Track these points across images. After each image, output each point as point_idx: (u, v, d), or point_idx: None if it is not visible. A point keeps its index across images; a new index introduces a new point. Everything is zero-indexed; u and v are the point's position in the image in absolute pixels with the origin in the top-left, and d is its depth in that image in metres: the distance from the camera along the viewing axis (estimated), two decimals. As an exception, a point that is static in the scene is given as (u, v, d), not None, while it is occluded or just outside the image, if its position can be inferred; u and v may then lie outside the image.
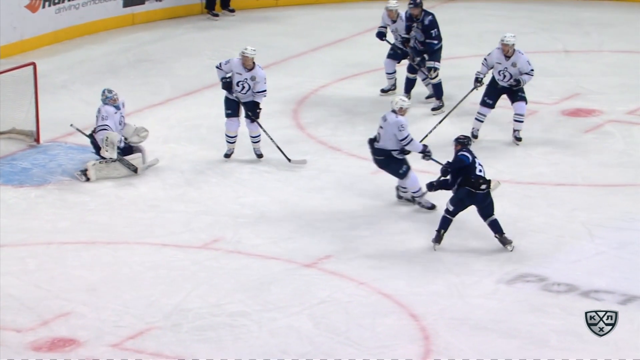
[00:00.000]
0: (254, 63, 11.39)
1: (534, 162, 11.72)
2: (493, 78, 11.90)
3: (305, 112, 13.02)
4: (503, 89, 11.87)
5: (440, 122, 11.95)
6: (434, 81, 12.80)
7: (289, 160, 11.52)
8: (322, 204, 10.86)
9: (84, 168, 11.05)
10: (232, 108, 11.44)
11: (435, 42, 12.67)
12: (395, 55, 13.01)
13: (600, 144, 12.07)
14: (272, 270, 9.61)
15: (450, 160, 9.75)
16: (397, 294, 9.19)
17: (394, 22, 12.96)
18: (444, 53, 12.85)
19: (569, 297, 9.04)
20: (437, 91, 12.83)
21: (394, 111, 10.41)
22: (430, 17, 12.70)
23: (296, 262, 9.72)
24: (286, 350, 8.47)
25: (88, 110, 12.79)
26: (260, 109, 11.46)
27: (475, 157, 9.73)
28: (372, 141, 10.48)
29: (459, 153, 9.70)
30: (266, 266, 9.66)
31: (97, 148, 11.24)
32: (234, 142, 11.59)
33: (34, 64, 12.04)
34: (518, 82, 11.75)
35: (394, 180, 11.06)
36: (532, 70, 11.71)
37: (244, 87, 11.35)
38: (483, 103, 11.96)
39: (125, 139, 11.26)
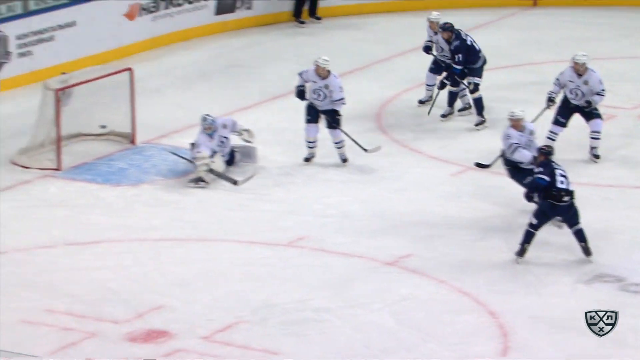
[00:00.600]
0: (328, 72, 11.37)
1: (612, 165, 11.54)
2: (565, 97, 11.60)
3: (388, 116, 12.98)
4: (576, 107, 11.53)
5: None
6: (474, 96, 12.41)
7: (365, 150, 11.49)
8: (403, 204, 10.82)
9: (197, 177, 11.09)
10: (311, 114, 11.43)
11: (459, 67, 12.26)
12: (436, 68, 12.65)
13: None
14: (355, 267, 9.60)
15: (529, 181, 9.51)
16: (476, 292, 9.12)
17: (436, 34, 12.59)
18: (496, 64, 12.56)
19: (645, 297, 8.89)
20: (478, 107, 12.44)
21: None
22: (457, 42, 12.29)
23: (378, 260, 9.70)
24: (369, 345, 8.45)
25: (180, 113, 12.92)
26: (339, 116, 11.43)
27: (557, 168, 9.46)
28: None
29: (536, 176, 9.39)
30: (349, 264, 9.65)
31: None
32: (314, 147, 11.58)
33: (130, 69, 12.20)
34: (589, 102, 11.42)
35: (471, 183, 10.98)
36: (604, 90, 11.35)
37: (319, 95, 11.35)
38: (556, 122, 11.61)
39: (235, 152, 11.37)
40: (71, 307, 8.88)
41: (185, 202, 10.90)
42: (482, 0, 16.80)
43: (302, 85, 11.43)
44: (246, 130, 11.44)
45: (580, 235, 9.45)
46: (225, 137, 11.32)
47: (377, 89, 13.66)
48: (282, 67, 14.40)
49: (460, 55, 12.23)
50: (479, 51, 12.41)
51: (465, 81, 12.39)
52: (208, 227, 10.35)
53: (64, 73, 12.41)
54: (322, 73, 11.34)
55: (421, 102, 12.89)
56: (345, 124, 11.65)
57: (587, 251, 9.47)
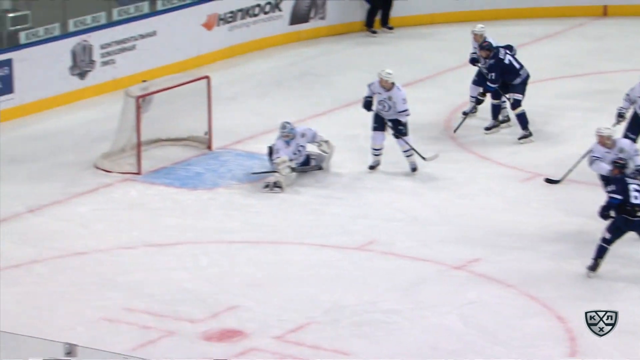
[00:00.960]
0: (392, 84, 11.36)
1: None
2: (635, 112, 11.37)
3: (457, 123, 12.92)
4: None
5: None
6: (516, 112, 12.13)
7: (424, 158, 11.44)
8: (471, 209, 10.76)
9: (275, 181, 11.15)
10: (378, 122, 11.44)
11: (493, 86, 12.06)
12: (479, 81, 12.40)
13: None
14: (424, 271, 9.58)
15: (604, 204, 9.24)
16: (544, 297, 9.04)
17: (487, 42, 12.34)
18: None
19: None
20: (521, 122, 12.15)
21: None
22: (492, 61, 12.07)
23: (446, 264, 9.67)
24: (436, 347, 8.43)
25: (255, 120, 13.02)
26: (402, 126, 11.38)
27: (631, 182, 9.21)
28: None
29: (609, 196, 9.21)
30: (418, 267, 9.63)
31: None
32: (379, 155, 11.54)
33: (208, 77, 12.32)
34: None
35: (541, 189, 10.89)
36: None
37: (384, 106, 11.35)
38: (625, 137, 11.37)
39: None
40: (150, 306, 9.00)
41: (259, 205, 10.97)
42: (552, 10, 16.65)
43: (370, 97, 11.47)
44: (325, 141, 11.45)
45: None
46: (302, 146, 11.37)
47: (447, 97, 13.61)
48: (353, 76, 14.42)
49: (493, 74, 12.02)
50: (518, 69, 12.14)
51: (507, 96, 12.21)
52: (280, 230, 10.40)
53: (144, 81, 12.59)
54: (386, 85, 11.35)
55: (465, 113, 12.69)
56: (414, 131, 11.63)
57: None
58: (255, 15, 15.34)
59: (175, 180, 11.55)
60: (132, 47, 13.98)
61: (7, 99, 12.99)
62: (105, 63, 13.76)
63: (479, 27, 12.57)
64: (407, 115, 11.44)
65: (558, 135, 12.39)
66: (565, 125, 12.57)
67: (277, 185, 11.18)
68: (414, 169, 11.53)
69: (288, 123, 11.35)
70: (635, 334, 8.42)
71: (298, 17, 15.79)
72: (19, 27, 13.25)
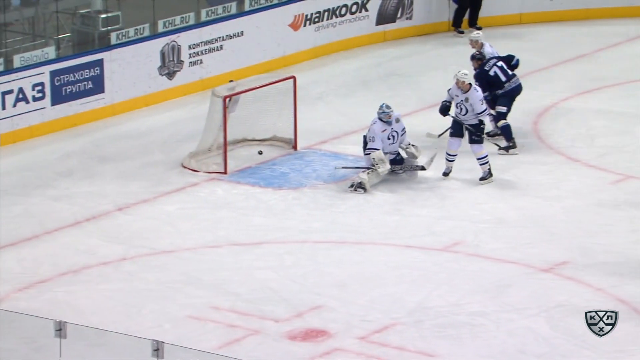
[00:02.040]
0: (469, 85, 11.24)
1: None
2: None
3: (546, 124, 12.78)
4: None
5: None
6: (499, 124, 11.89)
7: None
8: (559, 211, 10.63)
9: (359, 181, 11.16)
10: (455, 128, 11.32)
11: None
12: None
13: None
14: (510, 273, 9.48)
15: None
16: (635, 301, 8.88)
17: (479, 53, 12.16)
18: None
19: None
20: (505, 134, 11.87)
21: None
22: (477, 71, 11.91)
23: (534, 267, 9.56)
24: (523, 350, 8.34)
25: (341, 120, 13.03)
26: (480, 131, 11.18)
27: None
28: None
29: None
30: (504, 269, 9.54)
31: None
32: (453, 161, 11.35)
33: (294, 77, 12.38)
34: None
35: (631, 191, 10.70)
36: None
37: (461, 110, 11.23)
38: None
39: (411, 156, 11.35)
40: (235, 305, 9.07)
41: (343, 206, 10.98)
42: (645, 9, 16.34)
43: (448, 101, 11.38)
44: (414, 145, 11.37)
45: None
46: (396, 132, 11.30)
47: (536, 98, 13.45)
48: (439, 76, 14.34)
49: (477, 84, 11.72)
50: (504, 82, 11.88)
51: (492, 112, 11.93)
52: (364, 231, 10.40)
53: (231, 81, 12.70)
54: (463, 86, 11.23)
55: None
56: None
57: None
58: (342, 15, 15.35)
59: (261, 180, 11.62)
60: (220, 48, 14.11)
61: (98, 98, 13.22)
62: (193, 63, 13.91)
63: (474, 33, 12.35)
64: (486, 115, 11.32)
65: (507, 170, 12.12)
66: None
67: (361, 186, 11.17)
68: (482, 178, 11.30)
69: (388, 106, 11.31)
70: None
71: (384, 17, 15.76)
72: (110, 27, 13.48)
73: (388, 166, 11.13)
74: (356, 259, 9.86)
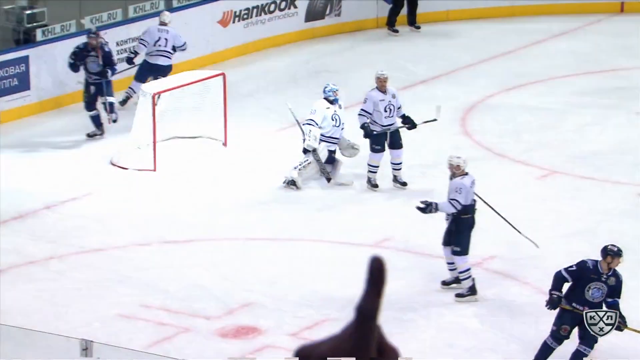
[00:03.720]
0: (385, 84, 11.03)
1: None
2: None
3: (473, 120, 12.92)
4: None
5: None
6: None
7: (435, 119, 11.12)
8: (486, 207, 10.73)
9: (291, 179, 11.12)
10: (378, 142, 10.97)
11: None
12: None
13: None
14: (440, 268, 9.57)
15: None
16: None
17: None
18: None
19: None
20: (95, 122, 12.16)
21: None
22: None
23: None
24: (452, 345, 8.42)
25: (271, 117, 13.02)
26: (400, 137, 10.95)
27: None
28: None
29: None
30: (434, 264, 9.62)
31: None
32: (376, 172, 11.05)
33: (223, 74, 12.33)
34: None
35: (557, 186, 10.87)
36: None
37: (390, 111, 10.99)
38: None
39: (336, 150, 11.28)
40: (165, 303, 9.02)
41: (275, 203, 10.98)
42: (569, 7, 16.60)
43: (367, 123, 10.90)
44: (354, 146, 11.23)
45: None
46: (338, 116, 11.26)
47: (462, 94, 13.59)
48: (368, 73, 14.40)
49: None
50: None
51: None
52: (296, 227, 10.41)
53: (159, 77, 12.59)
54: (383, 87, 11.03)
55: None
56: (429, 128, 11.53)
57: None
58: (271, 12, 15.34)
59: (191, 177, 11.56)
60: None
61: (24, 95, 13.03)
62: (121, 60, 13.77)
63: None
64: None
65: (574, 132, 12.35)
66: (581, 123, 12.53)
67: (293, 184, 11.18)
68: (403, 183, 11.12)
69: (335, 84, 11.29)
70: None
71: (313, 14, 15.78)
72: (35, 24, 13.29)
73: (316, 145, 11.06)
74: (287, 256, 9.87)
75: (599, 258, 8.13)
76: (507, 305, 8.91)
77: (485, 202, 9.62)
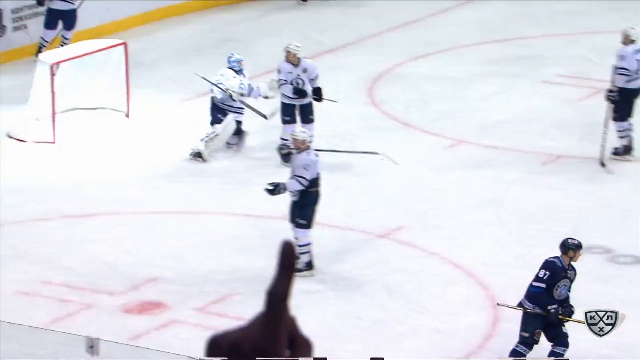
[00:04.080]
0: (300, 58, 10.89)
1: (599, 138, 11.51)
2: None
3: (380, 90, 12.95)
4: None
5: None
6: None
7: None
8: (396, 177, 10.79)
9: (197, 151, 10.99)
10: (288, 113, 10.85)
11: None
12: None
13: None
14: (347, 240, 9.59)
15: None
16: (467, 264, 9.12)
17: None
18: None
19: (635, 268, 8.89)
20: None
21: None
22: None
23: (370, 233, 9.69)
24: (360, 317, 8.46)
25: (174, 87, 12.86)
26: (312, 110, 10.89)
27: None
28: None
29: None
30: (341, 236, 9.64)
31: (214, 116, 11.11)
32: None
33: (125, 43, 12.13)
34: None
35: (463, 156, 10.97)
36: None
37: (298, 84, 10.88)
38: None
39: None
40: (67, 279, 8.87)
41: (179, 175, 10.87)
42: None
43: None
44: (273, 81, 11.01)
45: None
46: (243, 85, 11.13)
47: (369, 64, 13.61)
48: (274, 42, 14.32)
49: None
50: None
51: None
52: (201, 200, 10.32)
53: (59, 46, 12.32)
54: (294, 60, 10.95)
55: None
56: (337, 97, 11.52)
57: None
58: (174, -21, 15.12)
59: (92, 149, 11.37)
60: (45, 12, 13.68)
61: None
62: (17, 28, 13.44)
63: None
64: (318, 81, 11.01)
65: (481, 101, 12.48)
66: (488, 92, 12.67)
67: (199, 156, 11.07)
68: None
69: (238, 54, 11.20)
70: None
71: (217, -18, 15.60)
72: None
73: (236, 91, 10.97)
74: (193, 229, 9.78)
75: (558, 253, 7.81)
76: (415, 276, 8.97)
77: (328, 150, 9.80)
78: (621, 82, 10.69)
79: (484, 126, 11.73)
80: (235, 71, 11.18)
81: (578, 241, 7.83)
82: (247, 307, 8.54)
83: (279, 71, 10.94)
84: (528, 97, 12.41)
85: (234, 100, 11.11)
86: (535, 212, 9.89)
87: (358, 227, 9.78)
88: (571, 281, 7.77)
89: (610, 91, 10.68)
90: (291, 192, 8.95)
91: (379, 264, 9.17)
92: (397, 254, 9.34)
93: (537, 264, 9.07)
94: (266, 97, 11.14)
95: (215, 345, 1.39)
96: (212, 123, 11.17)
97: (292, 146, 9.12)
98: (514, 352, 7.71)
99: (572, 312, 7.73)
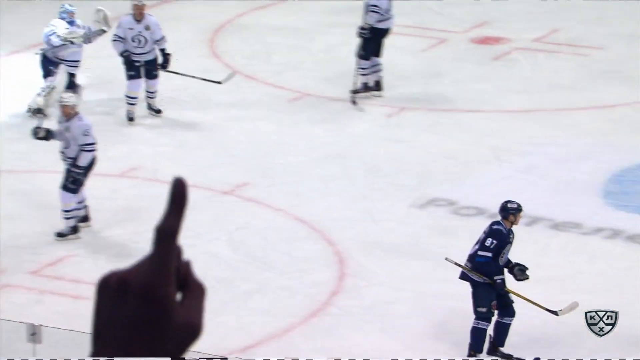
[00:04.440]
0: (144, 14, 10.62)
1: (444, 89, 11.64)
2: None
3: (221, 41, 12.74)
4: None
5: None
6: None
7: (219, 82, 11.01)
8: (239, 132, 10.66)
9: (37, 107, 10.52)
10: (133, 69, 10.59)
11: None
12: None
13: (508, 71, 12.03)
14: (191, 197, 9.38)
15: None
16: (313, 220, 9.08)
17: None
18: None
19: (478, 219, 9.03)
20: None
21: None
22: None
23: (214, 190, 9.55)
24: (205, 276, 8.28)
25: (1, 38, 12.34)
26: (168, 55, 10.76)
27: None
28: None
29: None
30: (184, 193, 9.44)
31: (46, 69, 10.68)
32: (135, 104, 10.68)
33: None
34: None
35: (307, 109, 10.93)
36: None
37: (140, 41, 10.55)
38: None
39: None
40: None
41: (10, 132, 10.46)
42: None
43: (125, 52, 10.42)
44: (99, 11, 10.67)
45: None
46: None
47: (210, 14, 13.36)
48: None
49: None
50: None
51: None
52: (35, 158, 9.96)
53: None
54: (140, 16, 10.61)
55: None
56: (177, 52, 11.26)
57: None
58: None
59: None
60: None
61: None
62: None
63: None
64: (166, 41, 10.73)
65: (324, 53, 12.42)
66: (331, 42, 12.61)
67: (39, 112, 10.64)
68: (158, 111, 10.84)
69: (70, 6, 10.72)
70: (402, 252, 8.63)
71: None
72: None
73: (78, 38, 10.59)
74: (27, 189, 9.43)
75: (498, 218, 7.51)
76: (259, 233, 8.89)
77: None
78: (372, 20, 10.79)
79: (328, 78, 11.69)
80: (68, 22, 10.76)
81: (517, 204, 7.52)
82: (84, 268, 8.30)
83: (119, 26, 10.60)
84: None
85: (72, 47, 10.69)
86: (381, 165, 9.93)
87: (202, 185, 9.61)
88: (511, 245, 7.53)
89: (362, 29, 10.79)
90: (82, 166, 8.62)
91: (223, 221, 9.04)
92: (241, 210, 9.23)
93: (382, 218, 9.12)
94: (103, 31, 10.71)
95: (104, 283, 1.42)
96: (45, 76, 10.76)
97: (63, 113, 8.75)
98: (477, 331, 7.40)
99: (525, 269, 7.43)
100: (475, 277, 7.42)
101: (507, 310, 7.44)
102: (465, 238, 8.80)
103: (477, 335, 7.41)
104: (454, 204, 9.32)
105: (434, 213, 9.19)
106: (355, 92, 10.96)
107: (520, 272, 7.43)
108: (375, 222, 9.09)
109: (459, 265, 7.47)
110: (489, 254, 7.39)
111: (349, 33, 12.92)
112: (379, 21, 10.81)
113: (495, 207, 9.17)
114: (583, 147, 10.23)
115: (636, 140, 10.32)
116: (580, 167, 9.84)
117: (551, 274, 8.07)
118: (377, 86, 11.08)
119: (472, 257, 7.47)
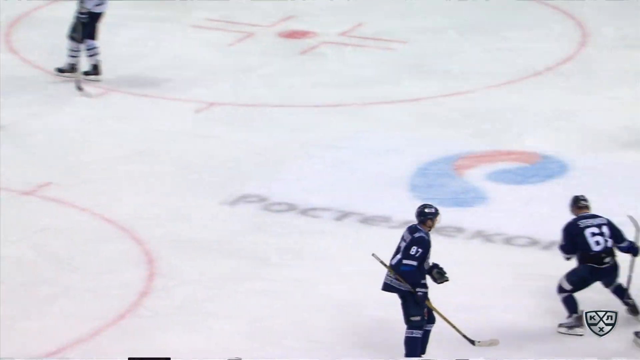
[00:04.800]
0: None
1: (254, 84, 11.68)
2: None
3: (18, 35, 12.35)
4: None
5: None
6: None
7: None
8: (40, 129, 10.41)
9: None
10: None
11: None
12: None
13: (315, 65, 12.17)
14: (-7, 199, 9.14)
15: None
16: (121, 219, 8.95)
17: None
18: None
19: (288, 215, 9.10)
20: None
21: None
22: None
23: (14, 190, 9.29)
24: (4, 281, 8.08)
25: None
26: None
27: (587, 226, 7.68)
28: None
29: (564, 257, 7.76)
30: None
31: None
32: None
33: None
34: None
35: (121, 108, 10.77)
36: None
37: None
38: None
39: None
40: None
41: None
42: None
43: None
44: None
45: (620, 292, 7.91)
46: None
47: (5, 7, 12.98)
48: None
49: None
50: None
51: None
52: None
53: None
54: None
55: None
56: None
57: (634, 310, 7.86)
58: None
59: None
60: None
61: None
62: None
63: None
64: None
65: (128, 47, 12.23)
66: (135, 37, 12.45)
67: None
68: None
69: None
70: (213, 250, 8.62)
71: None
72: None
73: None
74: None
75: (415, 222, 7.29)
76: (63, 233, 8.70)
77: None
78: (91, 5, 11.21)
79: (133, 74, 11.55)
80: None
81: (435, 208, 7.30)
82: None
83: None
84: (177, 43, 12.33)
85: None
86: (190, 161, 9.88)
87: (1, 185, 9.33)
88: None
89: (81, 13, 11.20)
90: None
91: (24, 223, 8.81)
92: (44, 211, 9.01)
93: (192, 216, 9.06)
94: None
95: None
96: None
97: None
98: (411, 340, 7.23)
99: (444, 272, 7.22)
100: (403, 287, 7.24)
101: (430, 316, 7.34)
102: (276, 233, 8.87)
103: (411, 345, 7.27)
104: (265, 200, 9.36)
105: (246, 210, 9.20)
106: (60, 70, 11.28)
107: (439, 274, 7.27)
108: (185, 220, 9.03)
109: (385, 265, 7.25)
110: (414, 263, 7.19)
111: (153, 27, 12.80)
112: (97, 5, 11.22)
113: (305, 203, 9.30)
114: (390, 141, 10.45)
115: (440, 133, 10.62)
116: (388, 161, 10.04)
117: (360, 269, 8.19)
118: (95, 69, 11.32)
119: (397, 267, 7.26)
